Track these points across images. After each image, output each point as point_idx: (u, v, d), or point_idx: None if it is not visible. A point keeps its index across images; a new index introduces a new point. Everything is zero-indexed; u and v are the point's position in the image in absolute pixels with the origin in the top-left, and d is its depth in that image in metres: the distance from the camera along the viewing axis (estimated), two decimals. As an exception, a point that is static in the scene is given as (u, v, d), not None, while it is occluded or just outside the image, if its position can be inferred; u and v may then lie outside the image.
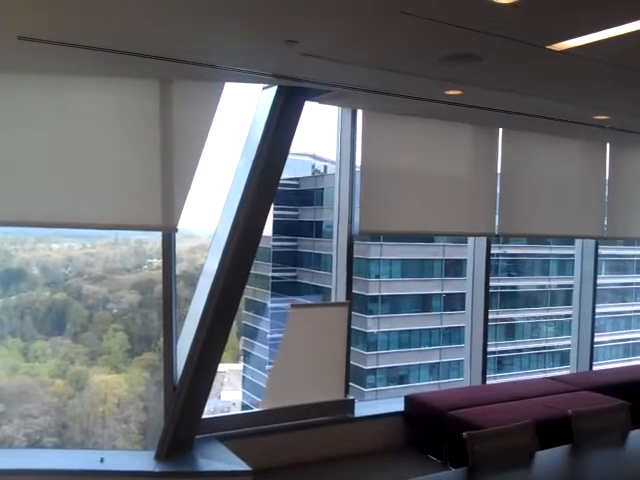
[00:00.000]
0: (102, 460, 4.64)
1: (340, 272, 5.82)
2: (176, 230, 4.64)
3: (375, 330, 11.71)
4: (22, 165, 4.39)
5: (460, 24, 3.11)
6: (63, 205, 4.49)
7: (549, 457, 3.82)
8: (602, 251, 7.87)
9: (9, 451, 5.92)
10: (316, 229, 11.49)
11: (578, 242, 7.67)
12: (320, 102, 5.16)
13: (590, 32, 3.21)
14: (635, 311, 14.03)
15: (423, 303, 12.37)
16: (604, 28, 3.14)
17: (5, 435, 7.83)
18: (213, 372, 4.95)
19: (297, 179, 11.69)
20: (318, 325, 5.57)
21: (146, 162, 4.51)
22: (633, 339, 13.16)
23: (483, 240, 6.57)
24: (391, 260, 11.94)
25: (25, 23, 3.27)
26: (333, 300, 5.88)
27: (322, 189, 11.39)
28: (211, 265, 4.82)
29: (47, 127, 4.38)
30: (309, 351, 5.54)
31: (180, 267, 5.47)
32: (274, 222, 11.27)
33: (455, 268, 11.90)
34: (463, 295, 7.03)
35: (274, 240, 11.37)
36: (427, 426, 5.76)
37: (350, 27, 3.27)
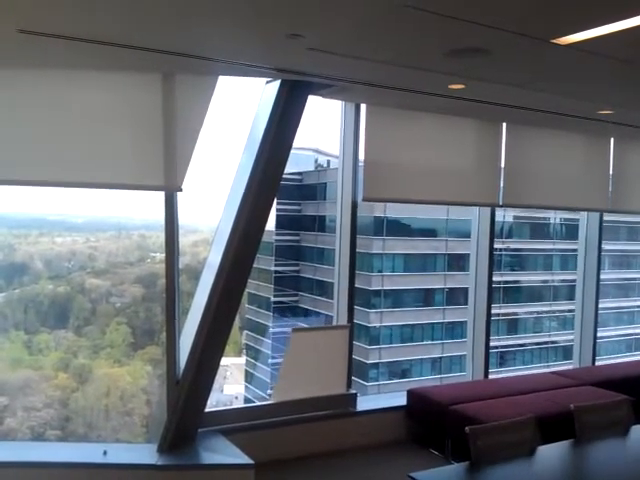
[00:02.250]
0: (105, 453, 4.66)
1: (343, 266, 5.83)
2: (180, 190, 4.59)
3: (378, 324, 11.73)
4: (24, 131, 4.38)
5: (465, 18, 3.09)
6: (65, 165, 4.48)
7: (551, 452, 3.83)
8: (605, 246, 7.86)
9: (13, 444, 5.95)
10: (319, 223, 11.49)
11: (581, 236, 7.66)
12: (323, 96, 5.15)
13: (595, 26, 3.19)
14: (638, 306, 14.03)
15: (426, 298, 12.38)
16: (609, 22, 3.13)
17: (9, 428, 7.87)
18: (216, 366, 4.96)
19: (300, 174, 11.70)
20: (319, 346, 5.63)
21: (149, 124, 4.51)
22: (636, 334, 13.16)
23: (486, 235, 6.56)
24: (394, 254, 11.94)
25: (25, 16, 3.26)
26: (336, 295, 5.89)
27: (325, 184, 11.39)
28: (214, 259, 4.83)
29: (52, 107, 4.41)
30: (312, 363, 5.59)
31: (183, 261, 5.48)
32: (277, 216, 11.28)
33: (458, 263, 11.90)
34: (466, 290, 7.03)
35: (277, 234, 11.39)
36: (429, 420, 5.77)
37: (356, 21, 3.25)
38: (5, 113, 4.35)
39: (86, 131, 4.46)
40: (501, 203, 6.41)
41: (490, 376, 6.76)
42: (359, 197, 5.73)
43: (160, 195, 4.67)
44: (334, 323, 5.90)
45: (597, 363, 7.65)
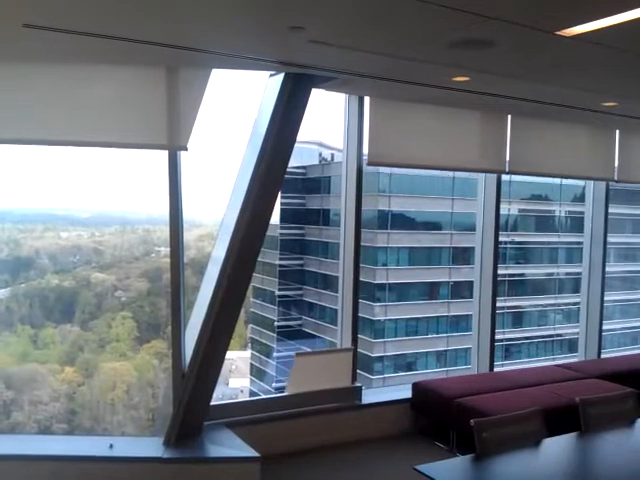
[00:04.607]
0: (111, 446, 4.68)
1: (347, 260, 5.82)
2: (185, 149, 4.57)
3: (382, 318, 11.72)
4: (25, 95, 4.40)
5: (469, 10, 3.08)
6: (66, 124, 4.49)
7: (557, 444, 3.83)
8: (611, 239, 7.84)
9: (19, 437, 5.97)
10: (323, 217, 11.48)
11: (587, 229, 7.63)
12: (327, 89, 5.14)
13: (599, 18, 3.18)
14: (644, 299, 13.97)
15: (430, 291, 12.36)
16: (614, 13, 3.11)
17: (16, 421, 7.91)
18: (221, 359, 4.97)
19: (304, 167, 11.68)
20: (323, 367, 5.68)
21: (151, 84, 4.52)
22: (641, 327, 13.11)
23: (491, 228, 6.55)
24: (398, 248, 11.92)
25: (30, 11, 3.26)
26: (340, 288, 5.90)
27: (329, 177, 11.37)
28: (219, 253, 4.83)
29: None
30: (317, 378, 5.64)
31: (188, 255, 5.49)
32: (281, 210, 11.27)
33: (463, 256, 11.87)
34: (471, 283, 7.02)
35: (281, 228, 11.38)
36: (434, 413, 5.78)
37: (357, 13, 3.24)
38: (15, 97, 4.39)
39: (91, 101, 4.48)
40: (507, 170, 6.40)
41: (495, 369, 6.77)
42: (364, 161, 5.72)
43: (164, 187, 4.67)
44: (339, 316, 5.91)
45: (602, 356, 7.64)
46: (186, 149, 4.57)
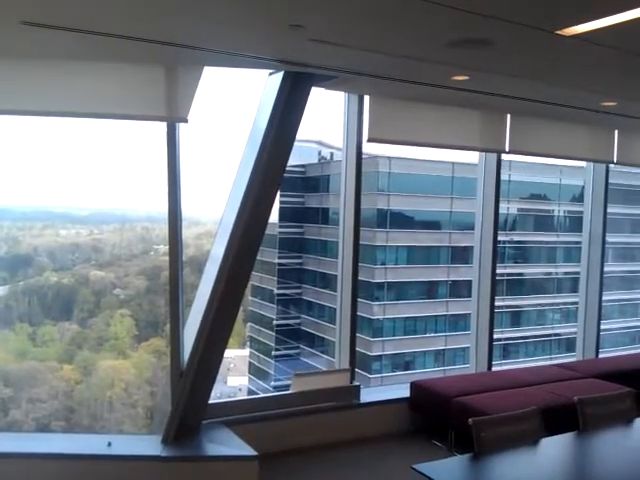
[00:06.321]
0: (110, 444, 4.68)
1: (346, 259, 5.82)
2: (185, 120, 4.51)
3: (381, 317, 11.72)
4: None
5: (469, 9, 3.07)
6: (64, 94, 4.46)
7: (555, 443, 3.83)
8: (609, 238, 7.85)
9: (18, 435, 5.97)
10: (322, 216, 11.48)
11: (585, 229, 7.64)
12: (327, 88, 5.14)
13: (599, 17, 3.18)
14: (642, 299, 13.99)
15: (429, 290, 12.36)
16: (614, 13, 3.11)
17: (14, 419, 7.91)
18: (219, 357, 4.97)
19: (303, 166, 11.67)
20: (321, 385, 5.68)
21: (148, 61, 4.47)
22: (639, 327, 13.14)
23: (490, 227, 6.55)
24: (397, 247, 11.92)
25: (28, 8, 3.26)
26: (339, 287, 5.90)
27: (328, 176, 11.37)
28: (218, 251, 4.83)
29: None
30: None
31: (187, 253, 5.48)
32: (280, 209, 11.26)
33: (461, 255, 11.87)
34: (469, 282, 7.02)
35: (280, 227, 11.37)
36: (432, 412, 5.78)
37: (357, 11, 3.24)
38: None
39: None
40: (507, 149, 6.39)
41: (493, 368, 6.77)
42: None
43: (163, 187, 4.67)
44: (337, 314, 5.92)
45: (600, 355, 7.65)
46: (186, 121, 4.52)
